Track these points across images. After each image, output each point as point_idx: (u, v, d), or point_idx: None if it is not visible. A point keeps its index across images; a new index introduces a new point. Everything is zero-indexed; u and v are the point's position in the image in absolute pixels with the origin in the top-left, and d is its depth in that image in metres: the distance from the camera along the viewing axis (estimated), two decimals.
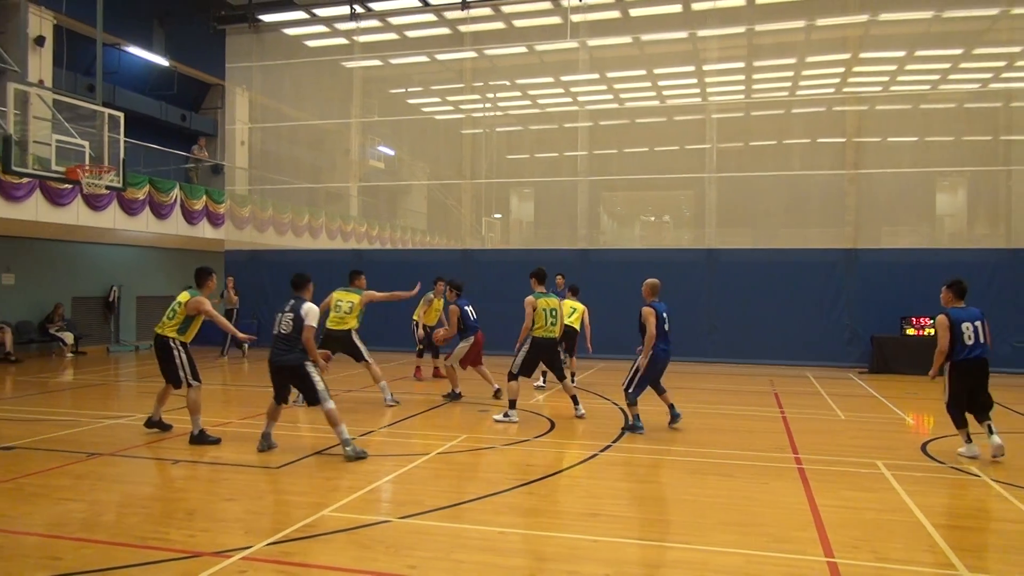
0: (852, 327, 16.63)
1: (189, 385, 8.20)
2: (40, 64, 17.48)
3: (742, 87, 20.23)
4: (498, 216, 23.08)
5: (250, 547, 4.88)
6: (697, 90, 20.68)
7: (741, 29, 18.73)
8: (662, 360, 8.80)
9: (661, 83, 21.15)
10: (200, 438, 8.11)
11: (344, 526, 5.35)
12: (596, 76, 20.55)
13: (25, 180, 14.51)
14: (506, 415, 9.57)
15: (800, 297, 16.82)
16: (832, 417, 10.36)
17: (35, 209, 15.49)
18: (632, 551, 5.04)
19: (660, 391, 9.19)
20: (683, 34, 19.40)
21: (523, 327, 9.62)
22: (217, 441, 8.13)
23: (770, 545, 5.05)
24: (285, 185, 22.43)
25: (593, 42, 19.40)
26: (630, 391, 8.82)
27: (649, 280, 8.90)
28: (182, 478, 6.88)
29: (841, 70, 19.00)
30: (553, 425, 9.34)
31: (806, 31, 18.51)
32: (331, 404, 7.52)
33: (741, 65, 19.72)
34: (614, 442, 8.35)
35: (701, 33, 19.09)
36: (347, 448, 7.38)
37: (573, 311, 12.44)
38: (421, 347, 14.24)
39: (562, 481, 6.71)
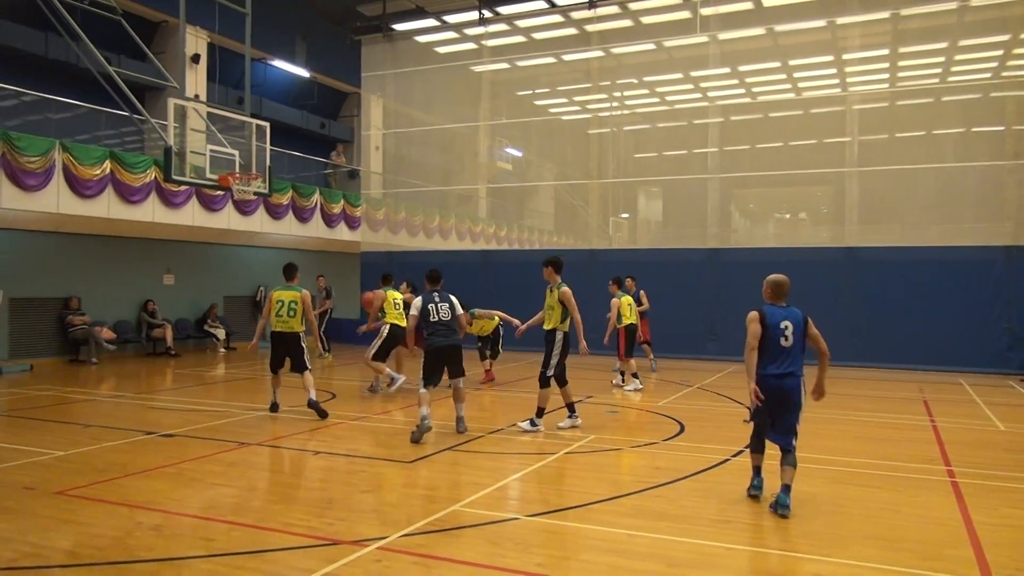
0: (1013, 330, 15.32)
1: (310, 369, 9.69)
2: (196, 80, 18.85)
3: (886, 75, 19.10)
4: (625, 216, 22.87)
5: (385, 537, 5.05)
6: (836, 81, 19.72)
7: (885, 14, 17.69)
8: (774, 390, 5.84)
9: (797, 75, 20.30)
10: (316, 404, 9.45)
11: (474, 521, 5.45)
12: (727, 70, 19.97)
13: (183, 188, 15.68)
14: (533, 423, 8.77)
15: (952, 298, 15.65)
16: (990, 427, 9.60)
17: (192, 215, 16.71)
18: (767, 560, 4.86)
19: (785, 443, 5.92)
20: (821, 22, 18.54)
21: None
22: (325, 414, 9.44)
23: (917, 562, 4.74)
24: (417, 188, 23.13)
25: (724, 35, 18.87)
26: (750, 444, 6.34)
27: (771, 277, 6.25)
28: (322, 469, 7.22)
29: (999, 53, 17.58)
30: (683, 428, 9.15)
31: (959, 13, 17.25)
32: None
33: (885, 52, 18.62)
34: (747, 447, 8.06)
35: (841, 21, 18.17)
36: (460, 427, 8.58)
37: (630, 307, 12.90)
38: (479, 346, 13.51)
39: (692, 485, 6.56)
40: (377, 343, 11.22)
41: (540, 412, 8.80)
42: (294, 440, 8.37)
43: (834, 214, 19.28)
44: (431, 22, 21.29)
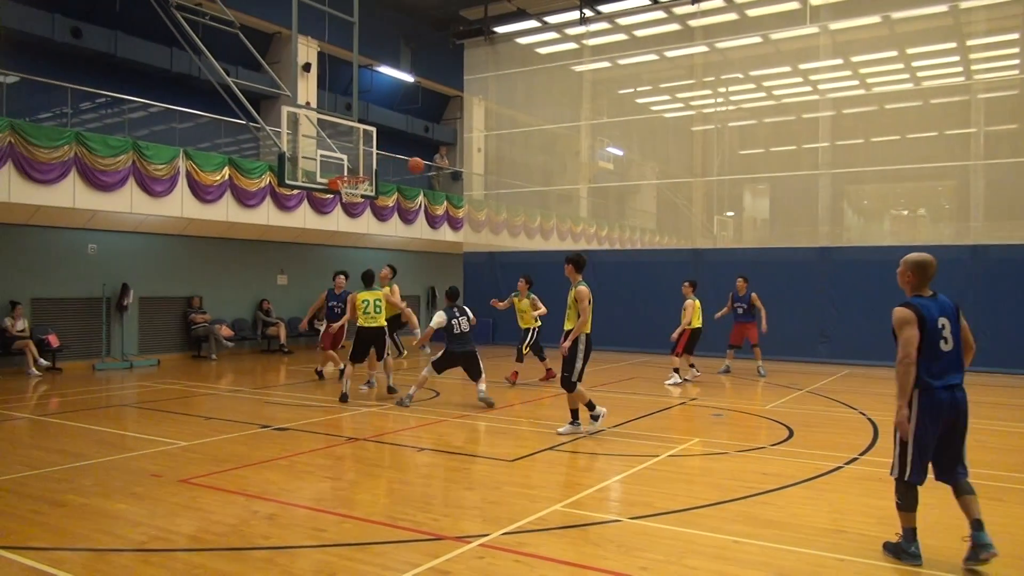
0: None
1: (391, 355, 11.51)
2: (307, 88, 19.60)
3: (1015, 61, 17.86)
4: (731, 214, 22.29)
5: (487, 535, 5.10)
6: (960, 69, 18.58)
7: None
8: (945, 409, 4.56)
9: (915, 64, 19.23)
10: (394, 389, 11.16)
11: (576, 522, 5.43)
12: (839, 61, 19.15)
13: (295, 192, 16.34)
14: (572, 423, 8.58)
15: None
16: None
17: (303, 217, 17.40)
18: (884, 574, 4.62)
19: (954, 477, 4.68)
20: (943, 7, 17.50)
21: (579, 323, 8.35)
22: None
23: None
24: (518, 189, 23.27)
25: (836, 25, 18.11)
26: (899, 500, 4.72)
27: (913, 257, 4.83)
28: (426, 465, 7.37)
29: None
30: (792, 433, 8.84)
31: None
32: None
33: (1015, 36, 17.40)
34: (862, 455, 7.72)
35: (964, 5, 17.12)
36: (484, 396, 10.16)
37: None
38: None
39: (802, 492, 6.32)
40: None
41: (575, 413, 8.56)
42: (400, 436, 8.58)
43: (957, 210, 18.17)
44: (532, 23, 21.38)
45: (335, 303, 12.72)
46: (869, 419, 9.70)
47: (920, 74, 19.42)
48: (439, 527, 5.29)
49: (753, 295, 13.86)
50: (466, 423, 9.42)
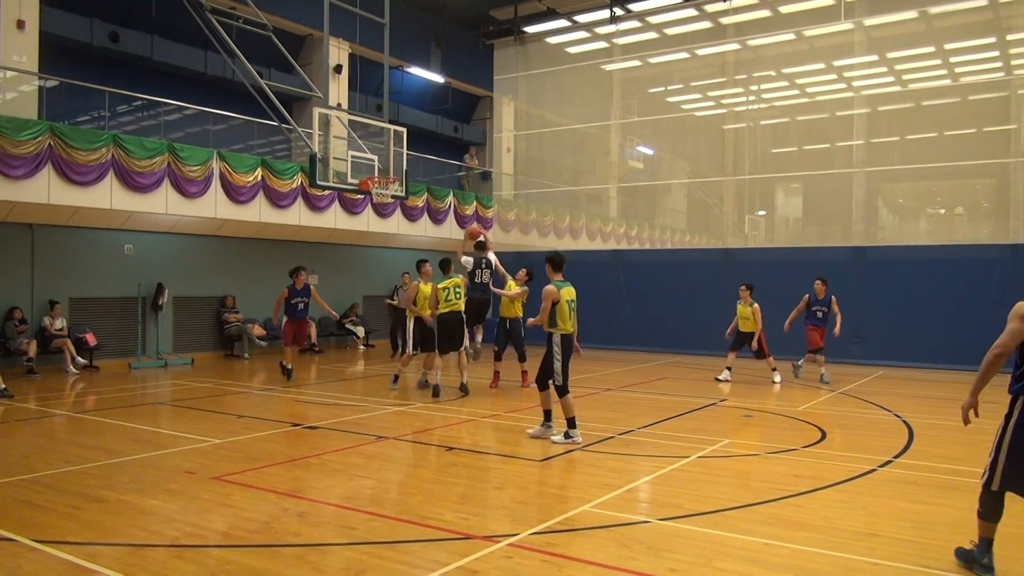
0: None
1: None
2: (338, 89, 19.78)
3: None
4: (762, 213, 22.07)
5: (516, 535, 5.10)
6: (999, 64, 18.21)
7: None
8: None
9: (953, 59, 18.89)
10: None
11: (604, 523, 5.41)
12: (874, 57, 18.88)
13: (327, 192, 16.48)
14: (568, 435, 8.05)
15: None
16: None
17: (334, 218, 17.54)
18: None
19: None
20: (982, 1, 17.17)
21: (537, 318, 8.09)
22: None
23: None
24: (547, 188, 23.25)
25: (871, 21, 17.87)
26: (980, 508, 4.54)
27: None
28: (455, 464, 7.39)
29: None
30: (824, 434, 8.72)
31: None
32: None
33: None
34: (896, 457, 7.59)
35: None
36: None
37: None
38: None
39: (834, 495, 6.23)
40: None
41: (571, 422, 8.07)
42: (429, 436, 8.62)
43: (996, 208, 17.81)
44: (562, 23, 21.35)
45: (298, 299, 12.95)
46: (904, 421, 9.54)
47: (958, 70, 19.07)
48: (468, 526, 5.30)
49: (833, 298, 13.06)
50: (495, 423, 9.43)
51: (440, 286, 11.16)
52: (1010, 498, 4.48)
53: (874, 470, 7.05)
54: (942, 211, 20.15)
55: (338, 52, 19.69)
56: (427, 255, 22.19)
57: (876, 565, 4.64)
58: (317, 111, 12.85)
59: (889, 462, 7.37)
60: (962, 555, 4.64)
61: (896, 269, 15.78)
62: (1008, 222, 16.51)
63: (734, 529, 5.28)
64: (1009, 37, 17.30)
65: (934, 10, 17.48)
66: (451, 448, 7.97)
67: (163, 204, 14.43)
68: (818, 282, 13.09)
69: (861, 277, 16.43)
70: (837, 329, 12.97)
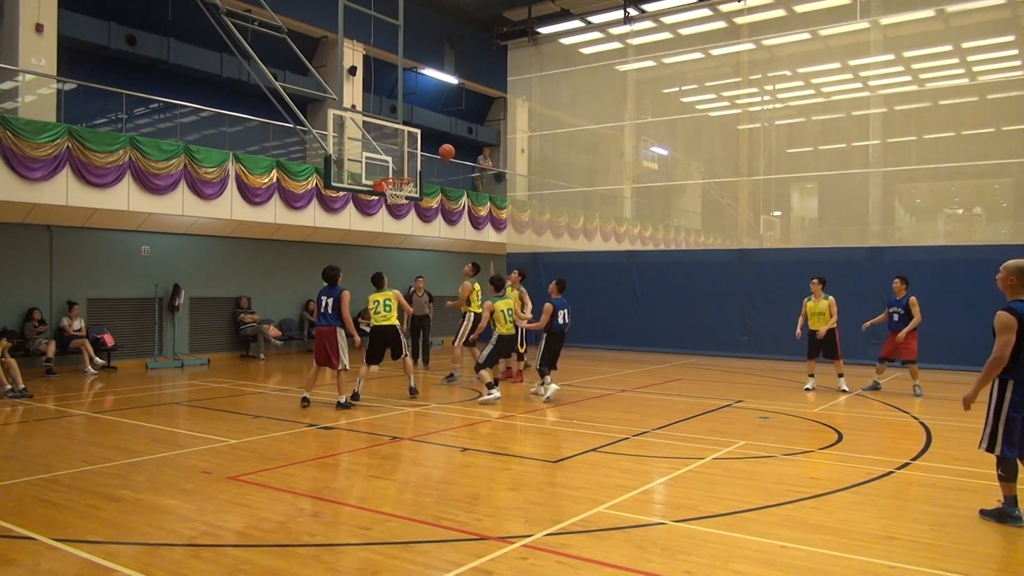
0: None
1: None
2: (352, 91, 19.84)
3: None
4: (778, 214, 21.94)
5: (531, 536, 5.10)
6: (1018, 62, 18.03)
7: None
8: None
9: (971, 58, 18.71)
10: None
11: (619, 524, 5.40)
12: (891, 57, 18.73)
13: (341, 194, 16.54)
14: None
15: None
16: None
17: (349, 219, 17.61)
18: None
19: None
20: (1000, 0, 17.01)
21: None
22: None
23: None
24: (562, 189, 23.23)
25: (887, 20, 17.73)
26: (1000, 472, 5.47)
27: (1015, 262, 5.42)
28: (469, 465, 7.40)
29: None
30: (841, 436, 8.66)
31: None
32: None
33: None
34: (914, 459, 7.53)
35: None
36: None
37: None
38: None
39: (851, 498, 6.18)
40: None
41: (489, 385, 10.71)
42: (443, 436, 8.63)
43: (1015, 208, 17.63)
44: (576, 23, 21.33)
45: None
46: (922, 423, 9.46)
47: (976, 68, 18.89)
48: (482, 527, 5.30)
49: (912, 298, 11.72)
50: (509, 424, 9.43)
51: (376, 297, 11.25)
52: None
53: (891, 472, 7.00)
54: (960, 211, 19.95)
55: (352, 54, 19.76)
56: (441, 256, 22.26)
57: (894, 568, 4.60)
58: (332, 113, 12.89)
59: (907, 464, 7.31)
60: (991, 514, 5.46)
61: (913, 270, 15.57)
62: None
63: (750, 531, 5.26)
64: None
65: (951, 8, 17.31)
66: (466, 449, 7.98)
67: (179, 206, 14.54)
68: (897, 281, 11.97)
69: (878, 278, 16.29)
70: (903, 332, 11.60)
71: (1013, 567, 4.65)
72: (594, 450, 7.83)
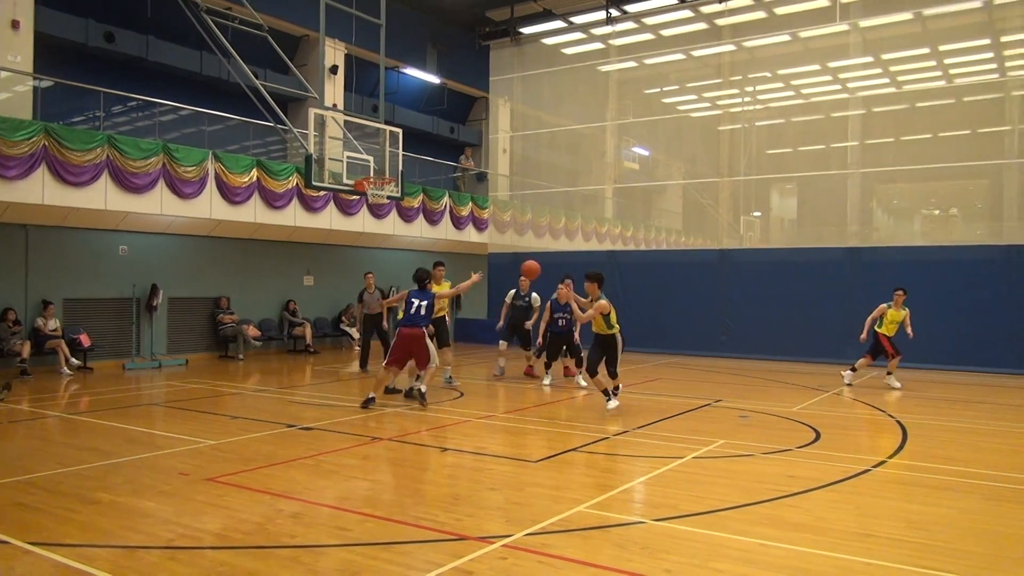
0: None
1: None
2: (334, 90, 19.75)
3: None
4: (757, 214, 22.09)
5: (511, 536, 5.10)
6: (994, 65, 18.26)
7: None
8: None
9: (948, 61, 18.93)
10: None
11: (599, 523, 5.41)
12: (870, 59, 18.92)
13: (322, 193, 16.46)
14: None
15: None
16: None
17: (329, 219, 17.53)
18: None
19: None
20: (977, 3, 17.23)
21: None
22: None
23: None
24: (543, 190, 23.25)
25: (866, 22, 17.90)
26: None
27: None
28: (449, 465, 7.38)
29: None
30: (818, 435, 8.73)
31: None
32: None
33: None
34: (890, 457, 7.61)
35: (999, 0, 16.83)
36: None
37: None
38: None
39: (829, 496, 6.24)
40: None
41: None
42: (423, 436, 8.61)
43: (990, 209, 17.87)
44: (558, 24, 21.37)
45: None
46: (898, 421, 9.56)
47: (953, 71, 19.11)
48: (462, 527, 5.29)
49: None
50: (490, 423, 9.42)
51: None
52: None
53: (868, 470, 7.07)
54: (937, 212, 20.18)
55: (334, 53, 19.67)
56: (423, 256, 22.21)
57: (871, 565, 4.65)
58: (313, 112, 12.83)
59: (883, 462, 7.39)
60: None
61: (891, 270, 15.78)
62: (1002, 223, 16.56)
63: (729, 529, 5.29)
64: (1003, 39, 17.35)
65: (929, 12, 17.52)
66: (446, 449, 7.97)
67: (158, 205, 14.40)
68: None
69: (856, 278, 16.46)
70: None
71: (990, 563, 4.71)
72: (574, 449, 7.84)
